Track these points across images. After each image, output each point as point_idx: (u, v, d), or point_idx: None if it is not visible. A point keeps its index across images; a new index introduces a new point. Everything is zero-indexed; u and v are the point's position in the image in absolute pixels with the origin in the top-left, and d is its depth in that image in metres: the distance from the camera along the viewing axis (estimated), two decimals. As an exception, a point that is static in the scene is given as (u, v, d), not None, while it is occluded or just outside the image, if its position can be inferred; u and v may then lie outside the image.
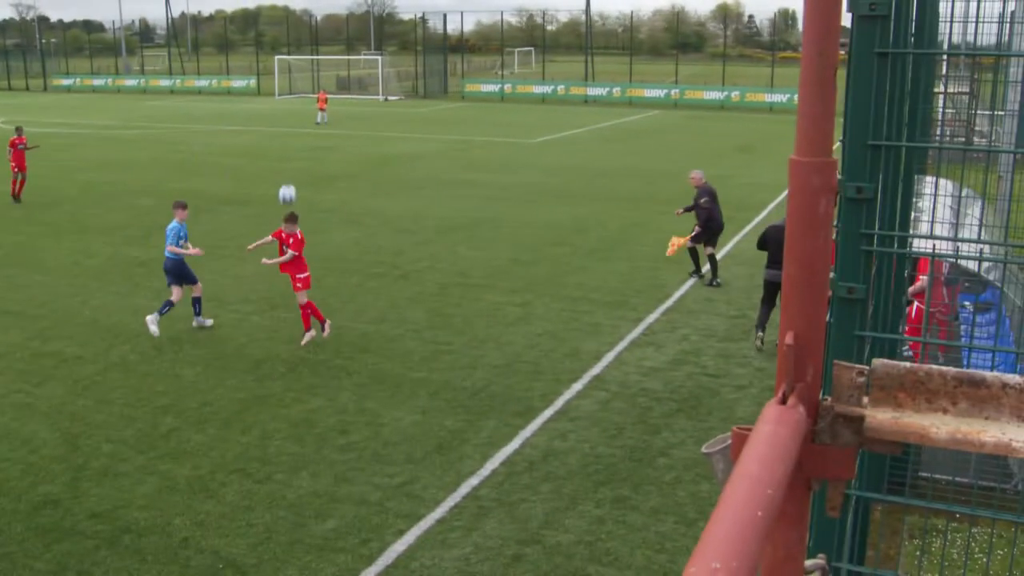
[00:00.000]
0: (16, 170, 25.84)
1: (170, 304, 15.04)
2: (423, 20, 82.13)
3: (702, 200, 17.69)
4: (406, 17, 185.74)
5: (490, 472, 10.42)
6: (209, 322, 15.53)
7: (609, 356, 13.84)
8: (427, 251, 20.48)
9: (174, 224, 14.86)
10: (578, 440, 11.17)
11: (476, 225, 23.10)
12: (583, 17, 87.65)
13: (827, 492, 1.98)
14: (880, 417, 1.87)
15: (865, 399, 1.91)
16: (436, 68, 76.27)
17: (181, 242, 14.85)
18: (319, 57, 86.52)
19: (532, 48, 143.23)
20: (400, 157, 33.40)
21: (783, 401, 1.81)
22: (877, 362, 1.93)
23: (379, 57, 78.84)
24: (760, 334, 14.54)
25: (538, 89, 69.92)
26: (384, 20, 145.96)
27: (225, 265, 19.38)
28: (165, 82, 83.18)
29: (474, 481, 10.22)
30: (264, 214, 24.55)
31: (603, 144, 40.81)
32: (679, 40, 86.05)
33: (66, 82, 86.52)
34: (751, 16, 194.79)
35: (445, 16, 79.01)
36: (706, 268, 18.11)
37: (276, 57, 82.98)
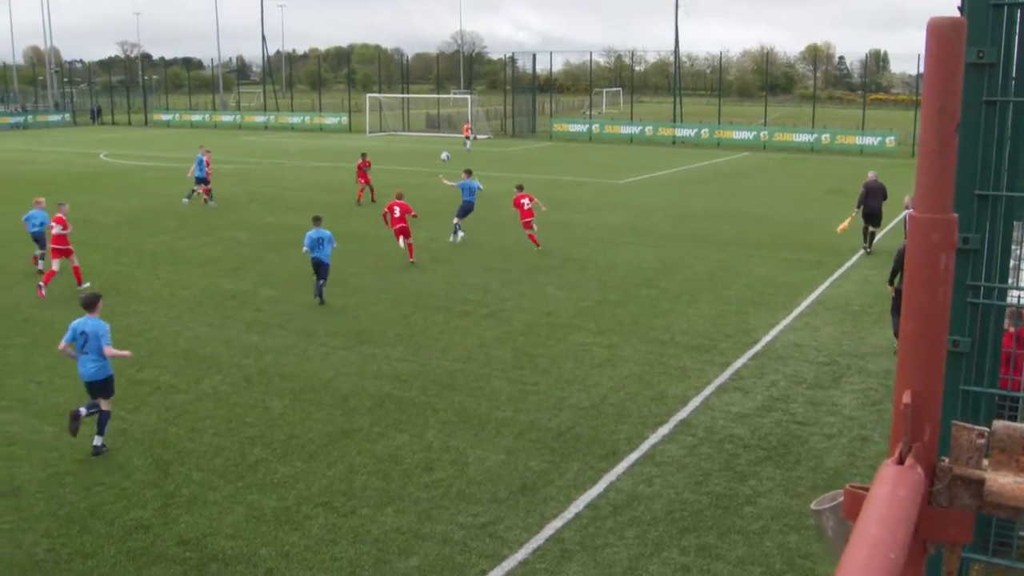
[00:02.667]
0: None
1: None
2: (512, 60, 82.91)
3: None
4: (495, 57, 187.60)
5: (574, 515, 10.35)
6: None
7: (696, 401, 13.70)
8: (514, 290, 20.49)
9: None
10: (663, 485, 11.06)
11: (563, 265, 23.08)
12: (671, 58, 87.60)
13: (944, 557, 1.92)
14: (1002, 481, 1.81)
15: (985, 461, 1.86)
16: (525, 107, 77.04)
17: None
18: (409, 96, 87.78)
19: (620, 88, 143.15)
20: (487, 196, 32.94)
21: (900, 461, 1.77)
22: (998, 424, 1.86)
23: (468, 96, 79.84)
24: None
25: (626, 129, 69.79)
26: (474, 60, 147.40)
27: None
28: (260, 118, 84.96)
29: (558, 524, 10.16)
30: (352, 250, 24.84)
31: (691, 186, 40.63)
32: (768, 81, 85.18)
33: (166, 117, 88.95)
34: (841, 57, 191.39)
35: (534, 56, 79.95)
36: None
37: (367, 95, 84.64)
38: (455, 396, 13.81)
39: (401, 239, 22.86)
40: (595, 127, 71.18)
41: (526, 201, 24.48)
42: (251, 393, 13.96)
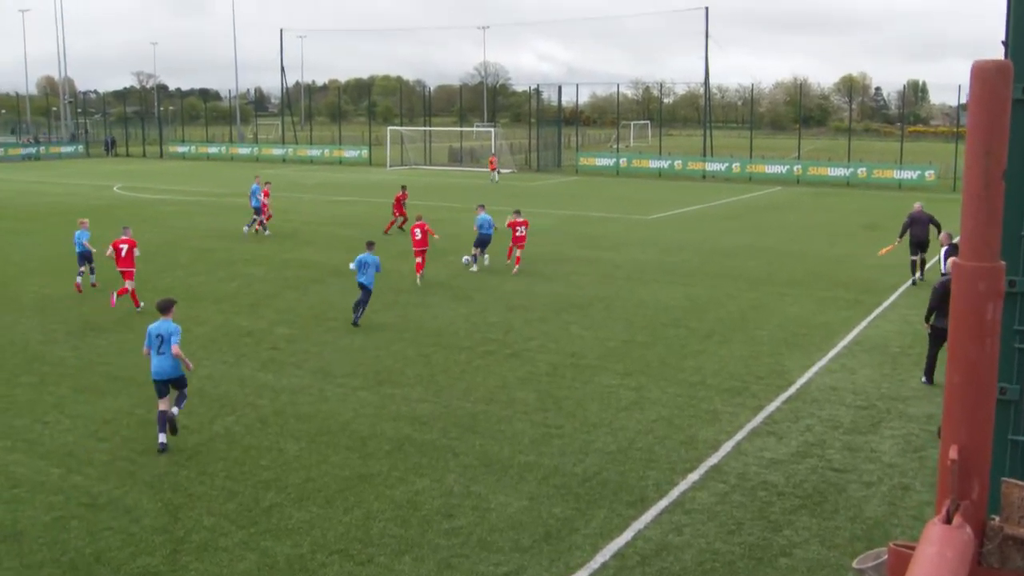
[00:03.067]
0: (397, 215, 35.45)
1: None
2: (537, 92, 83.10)
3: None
4: (520, 89, 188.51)
5: (600, 565, 10.23)
6: None
7: (727, 445, 13.58)
8: (538, 329, 20.43)
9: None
10: (694, 534, 10.93)
11: (589, 304, 23.02)
12: (701, 90, 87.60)
13: (993, 620, 1.86)
14: (1056, 542, 1.78)
15: (1038, 521, 1.83)
16: (550, 141, 77.33)
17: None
18: (431, 128, 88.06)
19: (648, 121, 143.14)
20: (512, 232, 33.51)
21: (948, 520, 1.73)
22: (1051, 481, 1.82)
23: (492, 129, 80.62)
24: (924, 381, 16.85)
25: (654, 163, 69.89)
26: (497, 92, 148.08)
27: (333, 337, 19.67)
28: (278, 151, 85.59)
29: (583, 574, 10.03)
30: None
31: (721, 221, 40.49)
32: (802, 113, 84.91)
33: (182, 149, 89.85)
34: (878, 88, 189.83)
35: (560, 88, 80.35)
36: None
37: (388, 128, 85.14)
38: (477, 439, 13.74)
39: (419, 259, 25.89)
40: (622, 161, 71.48)
41: (521, 228, 27.00)
42: (265, 435, 13.92)
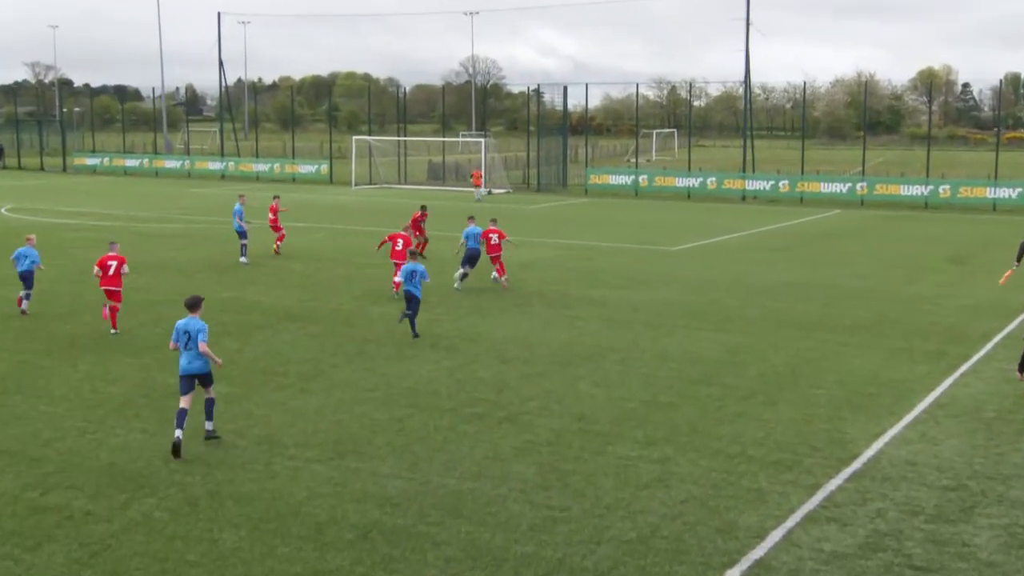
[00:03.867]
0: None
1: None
2: (537, 93, 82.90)
3: None
4: (516, 90, 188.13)
5: None
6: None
7: (776, 534, 13.43)
8: (538, 387, 20.34)
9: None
10: (734, 647, 11.06)
11: (601, 355, 22.99)
12: (740, 90, 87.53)
13: None
14: None
15: None
16: (553, 154, 77.32)
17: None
18: (407, 139, 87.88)
19: (675, 129, 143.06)
20: (507, 266, 33.14)
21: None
22: None
23: (482, 140, 79.45)
24: None
25: (682, 182, 70.26)
26: (489, 93, 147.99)
27: (283, 397, 19.55)
28: (215, 165, 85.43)
29: None
30: (333, 333, 24.98)
31: (766, 253, 40.49)
32: (867, 118, 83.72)
33: (91, 161, 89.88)
34: (966, 85, 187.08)
35: (565, 89, 79.66)
36: None
37: (353, 138, 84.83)
38: (462, 525, 13.60)
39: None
40: (642, 179, 72.02)
41: (494, 236, 30.82)
42: (196, 521, 13.71)
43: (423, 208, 39.41)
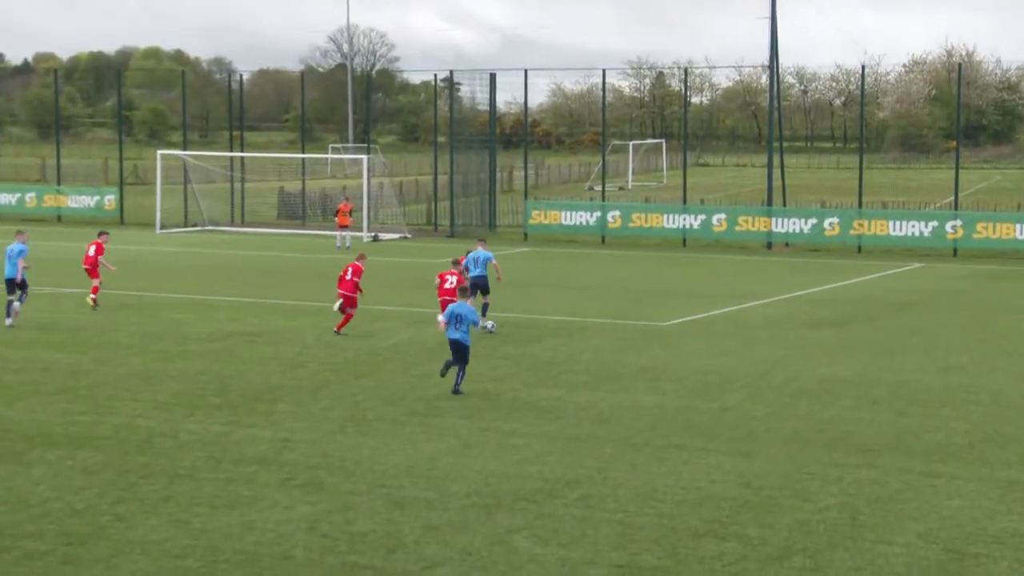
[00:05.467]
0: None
1: None
2: (450, 84, 76.12)
3: None
4: (417, 79, 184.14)
5: None
6: None
7: None
8: (451, 546, 18.79)
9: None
10: None
11: (550, 493, 21.36)
12: (764, 78, 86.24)
13: None
14: None
15: None
16: (475, 178, 70.37)
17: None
18: (246, 154, 79.86)
19: (663, 140, 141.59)
20: (397, 354, 31.89)
21: None
22: None
23: (364, 157, 71.37)
24: None
25: (674, 220, 65.60)
26: (374, 84, 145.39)
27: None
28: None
29: None
30: (122, 466, 22.99)
31: (805, 332, 38.31)
32: (964, 120, 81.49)
33: None
34: None
35: (493, 78, 73.02)
36: None
37: (159, 152, 76.09)
38: None
39: (339, 305, 35.74)
40: (613, 216, 66.67)
41: (451, 279, 35.49)
42: None
43: (458, 259, 38.95)
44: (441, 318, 27.80)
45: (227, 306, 39.84)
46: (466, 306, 27.57)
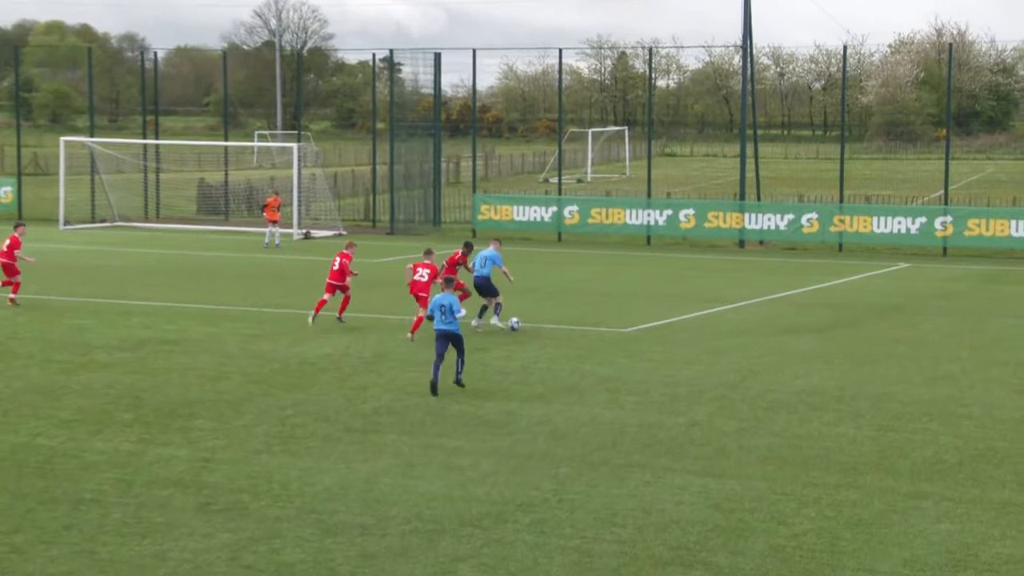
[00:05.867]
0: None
1: None
2: (390, 65, 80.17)
3: None
4: (353, 58, 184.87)
5: None
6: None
7: None
8: (396, 574, 18.97)
9: None
10: None
11: (500, 517, 21.14)
12: (737, 59, 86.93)
13: None
14: None
15: None
16: (418, 169, 69.36)
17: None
18: (161, 142, 78.69)
19: (626, 127, 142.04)
20: (331, 364, 31.74)
21: None
22: None
23: (295, 145, 71.85)
24: None
25: (638, 216, 65.28)
26: (305, 64, 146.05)
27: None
28: None
29: None
30: (17, 491, 22.56)
31: (779, 337, 38.23)
32: (955, 106, 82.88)
33: None
34: None
35: (438, 58, 72.14)
36: None
37: (63, 139, 76.45)
38: None
39: (333, 294, 37.29)
40: (570, 211, 66.27)
41: (423, 272, 37.86)
42: None
43: (466, 245, 41.59)
44: (423, 314, 28.64)
45: (139, 311, 39.46)
46: (450, 296, 29.45)
